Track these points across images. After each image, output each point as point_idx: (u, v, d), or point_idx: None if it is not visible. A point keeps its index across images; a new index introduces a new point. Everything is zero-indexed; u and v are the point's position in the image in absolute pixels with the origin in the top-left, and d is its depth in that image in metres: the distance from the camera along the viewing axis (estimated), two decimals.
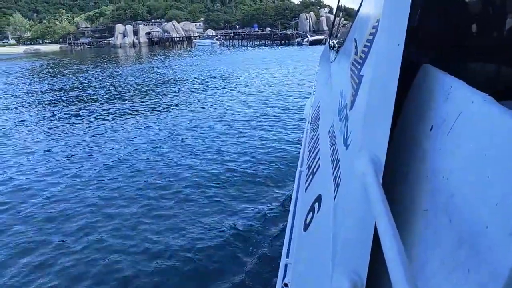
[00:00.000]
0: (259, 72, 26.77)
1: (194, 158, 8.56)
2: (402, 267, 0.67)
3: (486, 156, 0.79)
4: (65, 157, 9.20)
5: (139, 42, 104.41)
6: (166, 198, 6.52)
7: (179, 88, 20.81)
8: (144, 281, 4.49)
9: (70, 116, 14.51)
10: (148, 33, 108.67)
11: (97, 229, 5.66)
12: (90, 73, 33.39)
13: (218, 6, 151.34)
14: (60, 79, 29.52)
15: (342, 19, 4.30)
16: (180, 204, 6.29)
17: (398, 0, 1.13)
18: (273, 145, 9.21)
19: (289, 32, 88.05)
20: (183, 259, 4.86)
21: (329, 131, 2.25)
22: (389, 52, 1.11)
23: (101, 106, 16.43)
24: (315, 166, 2.33)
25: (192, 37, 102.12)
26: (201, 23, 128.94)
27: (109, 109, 15.57)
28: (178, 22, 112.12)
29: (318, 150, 2.50)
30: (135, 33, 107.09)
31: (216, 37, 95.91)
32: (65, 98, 19.12)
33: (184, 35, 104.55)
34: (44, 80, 29.04)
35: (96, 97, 19.25)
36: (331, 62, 4.25)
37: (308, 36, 73.53)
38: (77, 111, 15.46)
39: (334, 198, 1.43)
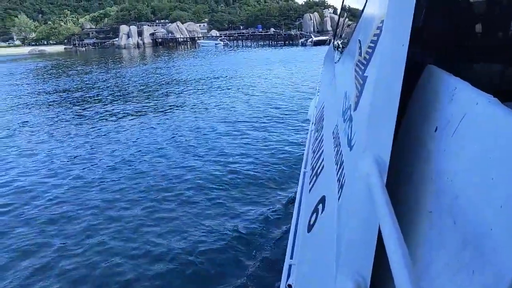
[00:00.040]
0: (263, 73, 26.74)
1: (197, 159, 8.52)
2: (406, 270, 0.67)
3: (490, 158, 0.78)
4: (68, 159, 9.19)
5: (143, 43, 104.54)
6: (169, 200, 6.47)
7: (183, 89, 20.80)
8: (145, 284, 4.45)
9: (73, 117, 14.52)
10: (152, 34, 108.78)
11: (98, 231, 5.62)
12: (94, 74, 33.45)
13: (222, 6, 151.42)
14: (64, 80, 29.61)
15: (347, 19, 4.28)
16: (183, 206, 6.25)
17: (402, 0, 1.13)
18: (276, 146, 9.15)
19: (293, 33, 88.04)
20: (185, 262, 4.81)
21: (333, 132, 2.25)
22: (394, 53, 1.10)
23: (105, 107, 16.44)
24: (319, 167, 2.32)
25: (196, 38, 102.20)
26: (205, 24, 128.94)
27: (113, 110, 15.58)
28: (182, 23, 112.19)
29: (322, 151, 2.49)
30: (139, 34, 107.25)
31: (220, 38, 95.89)
32: (69, 99, 19.16)
33: (188, 36, 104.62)
34: (48, 81, 29.13)
35: (99, 98, 19.27)
36: (335, 62, 4.24)
37: (312, 36, 73.54)
38: (80, 112, 15.47)
39: (338, 199, 1.43)
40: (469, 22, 1.71)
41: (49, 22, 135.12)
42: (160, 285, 4.44)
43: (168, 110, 14.89)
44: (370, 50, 1.42)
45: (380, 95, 1.12)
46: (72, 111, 15.80)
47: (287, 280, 1.97)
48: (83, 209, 6.36)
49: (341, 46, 4.08)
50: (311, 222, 1.77)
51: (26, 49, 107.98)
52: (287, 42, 79.65)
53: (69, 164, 8.74)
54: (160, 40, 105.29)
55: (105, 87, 23.47)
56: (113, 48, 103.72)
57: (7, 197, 7.11)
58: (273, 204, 6.17)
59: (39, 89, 23.94)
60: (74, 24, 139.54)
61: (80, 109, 16.16)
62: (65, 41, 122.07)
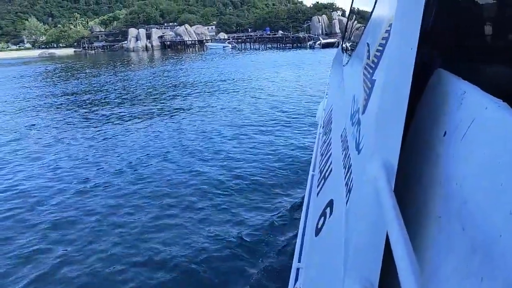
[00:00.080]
0: (270, 76, 26.66)
1: (203, 164, 8.43)
2: (413, 276, 0.67)
3: (499, 163, 0.77)
4: (74, 162, 9.15)
5: (152, 46, 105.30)
6: (173, 206, 6.38)
7: (190, 92, 20.78)
8: None
9: (80, 120, 14.54)
10: (160, 37, 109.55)
11: (101, 237, 5.54)
12: (102, 76, 33.63)
13: (230, 9, 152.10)
14: (72, 82, 29.80)
15: (355, 22, 4.24)
16: (187, 212, 6.15)
17: (411, 4, 1.12)
18: (283, 151, 9.03)
19: (301, 35, 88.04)
20: (188, 270, 4.70)
21: (341, 135, 2.25)
22: (402, 57, 1.09)
23: (112, 110, 16.45)
24: (327, 170, 2.33)
25: (204, 41, 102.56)
26: (213, 27, 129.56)
27: (120, 113, 15.58)
28: (191, 26, 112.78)
29: (330, 154, 2.49)
30: (148, 36, 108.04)
31: (228, 41, 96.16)
32: (77, 102, 19.23)
33: (196, 39, 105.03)
34: (56, 84, 29.33)
35: (107, 100, 19.32)
36: (343, 65, 4.21)
37: (321, 39, 73.62)
38: (88, 115, 15.49)
39: (346, 203, 1.42)
40: (479, 24, 1.64)
41: (59, 25, 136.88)
42: None
43: (175, 113, 14.85)
44: (378, 54, 1.40)
45: (389, 99, 1.12)
46: (79, 114, 15.83)
47: (294, 284, 1.97)
48: (87, 214, 6.28)
49: (349, 49, 4.08)
50: (319, 226, 1.77)
51: (36, 52, 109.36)
52: (295, 44, 79.51)
53: (75, 168, 8.69)
54: (168, 43, 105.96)
55: (112, 90, 23.55)
56: (122, 51, 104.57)
57: (12, 201, 7.06)
58: (278, 210, 6.05)
59: (47, 92, 24.08)
60: (83, 27, 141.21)
61: (87, 112, 16.19)
62: (75, 44, 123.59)
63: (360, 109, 1.63)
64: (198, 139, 10.68)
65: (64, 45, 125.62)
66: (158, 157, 9.18)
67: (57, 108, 17.77)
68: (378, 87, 1.28)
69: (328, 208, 1.75)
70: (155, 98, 19.57)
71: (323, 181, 2.32)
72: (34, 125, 14.04)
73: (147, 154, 9.46)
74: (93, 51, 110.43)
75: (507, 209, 0.70)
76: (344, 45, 5.27)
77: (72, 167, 8.82)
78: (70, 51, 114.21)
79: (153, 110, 15.88)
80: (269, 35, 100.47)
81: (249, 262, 4.79)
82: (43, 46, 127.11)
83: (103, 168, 8.61)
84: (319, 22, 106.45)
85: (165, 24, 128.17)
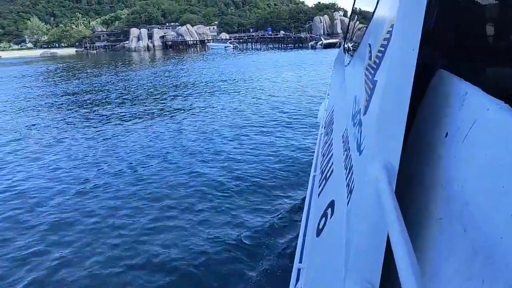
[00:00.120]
0: (272, 76, 26.60)
1: (203, 165, 8.37)
2: (413, 277, 0.67)
3: (501, 165, 0.77)
4: (74, 163, 9.10)
5: (154, 46, 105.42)
6: (173, 208, 6.32)
7: (191, 92, 20.74)
8: None
9: (81, 120, 14.51)
10: (162, 37, 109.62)
11: (100, 239, 5.48)
12: (103, 76, 33.62)
13: (232, 9, 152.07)
14: (73, 82, 29.79)
15: (357, 22, 4.22)
16: (186, 214, 6.09)
17: (412, 4, 1.12)
18: (284, 152, 8.97)
19: (303, 35, 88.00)
20: (186, 273, 4.64)
21: (343, 135, 2.25)
22: (404, 58, 1.09)
23: (113, 110, 16.41)
24: (328, 171, 2.33)
25: (205, 41, 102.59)
26: (215, 27, 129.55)
27: (121, 113, 15.54)
28: (192, 26, 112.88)
29: (332, 154, 2.50)
30: (150, 36, 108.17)
31: (229, 41, 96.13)
32: (77, 102, 19.20)
33: (198, 39, 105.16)
34: (58, 84, 29.33)
35: (108, 100, 19.29)
36: (345, 66, 4.21)
37: (322, 39, 73.49)
38: (88, 115, 15.45)
39: (347, 204, 1.42)
40: (481, 24, 1.63)
41: (61, 25, 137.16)
42: None
43: (176, 114, 14.80)
44: (380, 54, 1.40)
45: (390, 100, 1.12)
46: (80, 114, 15.80)
47: (296, 284, 1.98)
48: (86, 216, 6.23)
49: (351, 49, 4.06)
50: (320, 227, 1.77)
51: (38, 52, 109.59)
52: (296, 45, 79.45)
53: (75, 169, 8.65)
54: (170, 43, 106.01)
55: (113, 89, 23.52)
56: (124, 50, 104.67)
57: (11, 202, 7.02)
58: (279, 212, 5.99)
59: (48, 92, 24.07)
60: (85, 27, 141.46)
61: (88, 112, 16.15)
62: (77, 44, 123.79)
63: (361, 110, 1.63)
64: (198, 139, 10.63)
65: (66, 45, 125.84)
66: (158, 157, 9.13)
67: (58, 108, 17.74)
68: (379, 88, 1.27)
69: (329, 208, 1.75)
70: (156, 98, 19.53)
71: (324, 181, 2.31)
72: (34, 125, 14.01)
73: (147, 155, 9.41)
74: (94, 51, 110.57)
75: (509, 211, 0.70)
76: (346, 46, 5.25)
77: (72, 167, 8.77)
78: (72, 51, 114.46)
79: (154, 110, 15.83)
80: (271, 35, 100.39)
81: (249, 265, 4.73)
82: (45, 45, 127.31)
83: (103, 168, 8.56)
84: (320, 22, 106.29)
85: (167, 24, 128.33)
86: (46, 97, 21.78)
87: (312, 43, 73.80)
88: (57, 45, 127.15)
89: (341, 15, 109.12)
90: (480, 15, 1.66)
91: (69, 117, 15.22)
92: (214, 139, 10.59)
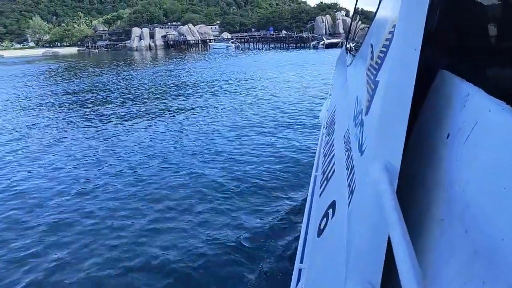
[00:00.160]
0: (273, 76, 26.55)
1: (203, 166, 8.33)
2: (415, 279, 0.67)
3: (503, 167, 0.77)
4: (74, 163, 9.08)
5: (155, 45, 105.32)
6: (172, 209, 6.28)
7: (192, 92, 20.71)
8: None
9: (82, 120, 14.48)
10: (164, 36, 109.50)
11: (98, 241, 5.45)
12: (105, 76, 33.63)
13: (234, 9, 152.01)
14: (75, 81, 29.82)
15: (359, 22, 4.20)
16: (186, 215, 6.05)
17: (414, 5, 1.12)
18: (284, 153, 8.92)
19: (304, 35, 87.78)
20: (185, 276, 4.61)
21: (344, 136, 2.24)
22: (405, 58, 1.09)
23: (114, 109, 16.40)
24: (330, 171, 2.31)
25: (207, 40, 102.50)
26: (217, 26, 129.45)
27: (121, 112, 15.52)
28: (194, 25, 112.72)
29: (333, 155, 2.48)
30: (151, 36, 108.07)
31: (231, 40, 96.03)
32: (78, 102, 19.19)
33: (199, 38, 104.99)
34: (59, 83, 29.34)
35: (109, 100, 19.27)
36: (347, 66, 4.20)
37: (324, 39, 73.32)
38: (89, 115, 15.43)
39: (349, 205, 1.41)
40: (484, 25, 1.60)
41: (63, 24, 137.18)
42: None
43: (177, 114, 14.77)
44: (382, 55, 1.39)
45: (392, 101, 1.12)
46: (80, 114, 15.79)
47: (297, 284, 1.98)
48: (84, 217, 6.20)
49: (353, 49, 4.08)
50: (321, 227, 1.76)
51: (40, 51, 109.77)
52: (298, 44, 79.24)
53: (75, 169, 8.62)
54: (171, 42, 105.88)
55: (115, 89, 23.52)
56: (125, 50, 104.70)
57: (10, 202, 7.00)
58: (279, 213, 5.94)
59: (49, 91, 24.09)
60: (87, 26, 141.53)
61: (88, 112, 16.14)
62: (79, 43, 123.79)
63: (363, 110, 1.62)
64: (199, 139, 10.59)
65: (67, 44, 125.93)
66: (159, 158, 9.09)
67: (59, 107, 17.74)
68: (381, 88, 1.26)
69: (331, 209, 1.74)
70: (157, 97, 19.50)
71: (325, 182, 2.30)
72: (35, 124, 14.01)
73: (148, 155, 9.38)
74: (96, 50, 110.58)
75: (510, 212, 0.70)
76: (347, 46, 5.27)
77: (72, 167, 8.75)
78: (73, 50, 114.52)
79: (155, 110, 15.80)
80: (273, 35, 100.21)
81: (248, 268, 4.70)
82: (47, 45, 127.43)
83: (103, 169, 8.52)
84: (322, 22, 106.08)
85: (169, 23, 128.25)
86: (47, 96, 21.79)
87: (314, 43, 73.68)
88: (59, 44, 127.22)
89: (343, 15, 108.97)
90: (483, 15, 1.63)
91: (70, 117, 15.20)
92: (214, 139, 10.54)
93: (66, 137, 11.69)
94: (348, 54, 4.72)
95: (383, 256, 0.98)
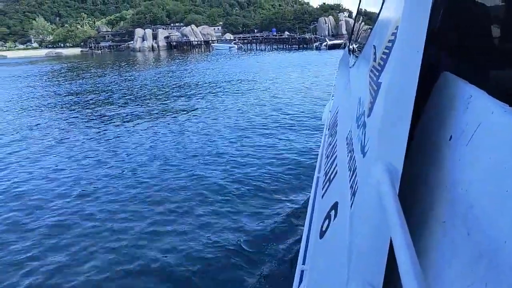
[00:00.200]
0: (275, 77, 26.52)
1: (204, 168, 8.28)
2: (416, 282, 0.67)
3: (505, 169, 0.77)
4: (75, 164, 9.06)
5: (158, 46, 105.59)
6: (173, 212, 6.23)
7: (194, 93, 20.71)
8: None
9: (83, 121, 14.48)
10: (167, 37, 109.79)
11: (97, 244, 5.40)
12: (107, 76, 33.67)
13: (236, 10, 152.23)
14: (77, 82, 29.86)
15: (362, 24, 4.18)
16: (186, 218, 5.99)
17: (417, 6, 1.11)
18: (286, 155, 8.86)
19: (307, 36, 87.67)
20: (184, 280, 4.55)
21: (347, 137, 2.24)
22: (408, 60, 1.09)
23: (115, 110, 16.39)
24: (332, 173, 2.30)
25: (210, 41, 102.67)
26: (220, 27, 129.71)
27: (123, 113, 15.51)
28: (197, 26, 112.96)
29: (336, 156, 2.48)
30: (154, 37, 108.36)
31: (234, 41, 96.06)
32: (81, 102, 19.21)
33: (202, 39, 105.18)
34: (61, 84, 29.41)
35: (111, 101, 19.28)
36: (350, 67, 4.19)
37: (327, 40, 73.24)
38: (91, 116, 15.43)
39: (351, 207, 1.41)
40: (487, 26, 1.58)
41: (66, 25, 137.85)
42: None
43: (179, 115, 14.75)
44: (384, 56, 1.39)
45: (394, 102, 1.12)
46: (82, 115, 15.78)
47: (299, 286, 1.98)
48: (84, 219, 6.15)
49: (356, 50, 4.06)
50: (323, 229, 1.76)
51: (43, 52, 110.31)
52: (301, 45, 79.20)
53: (75, 170, 8.59)
54: (174, 43, 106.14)
55: (117, 90, 23.52)
56: (128, 51, 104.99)
57: (10, 204, 6.97)
58: (280, 216, 5.89)
59: (51, 92, 24.13)
60: (90, 27, 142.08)
61: (90, 113, 16.13)
62: (82, 43, 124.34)
63: (365, 112, 1.62)
64: (200, 141, 10.55)
65: (71, 44, 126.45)
66: (160, 159, 9.05)
67: (61, 108, 17.76)
68: (383, 90, 1.26)
69: (333, 210, 1.73)
70: (159, 98, 19.49)
71: (328, 183, 2.29)
72: (36, 125, 14.01)
73: (149, 157, 9.34)
74: (99, 51, 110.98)
75: None
76: (350, 47, 5.22)
77: (72, 169, 8.72)
78: (76, 50, 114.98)
79: (157, 111, 15.78)
80: (275, 36, 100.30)
81: (249, 271, 4.65)
82: (50, 45, 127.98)
83: (103, 170, 8.49)
84: (325, 23, 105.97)
85: (172, 24, 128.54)
86: (49, 97, 21.82)
87: (316, 44, 73.63)
88: (62, 45, 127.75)
89: (346, 16, 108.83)
90: (487, 16, 1.62)
91: (72, 118, 15.21)
92: (216, 141, 10.50)
93: (68, 138, 11.68)
94: (351, 55, 4.68)
95: (385, 258, 0.99)
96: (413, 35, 1.10)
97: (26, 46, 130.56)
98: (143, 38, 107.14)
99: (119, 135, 11.80)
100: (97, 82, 28.82)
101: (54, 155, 9.86)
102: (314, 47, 71.13)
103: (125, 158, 9.36)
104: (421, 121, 1.35)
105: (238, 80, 25.82)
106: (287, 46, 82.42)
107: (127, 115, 15.06)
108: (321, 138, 4.98)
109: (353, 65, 3.76)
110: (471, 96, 1.05)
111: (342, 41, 64.97)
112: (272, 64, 39.45)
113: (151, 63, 52.15)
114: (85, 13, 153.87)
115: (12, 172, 8.73)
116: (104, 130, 12.72)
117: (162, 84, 25.53)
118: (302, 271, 2.08)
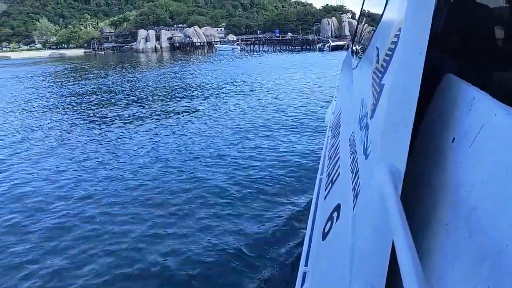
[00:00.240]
0: (278, 79, 26.45)
1: (206, 170, 8.23)
2: (417, 285, 0.67)
3: (508, 171, 0.77)
4: (76, 166, 9.03)
5: (161, 47, 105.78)
6: (173, 214, 6.18)
7: (197, 94, 20.68)
8: None
9: (85, 122, 14.47)
10: (170, 38, 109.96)
11: (97, 247, 5.36)
12: (110, 77, 33.71)
13: (239, 11, 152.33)
14: (80, 83, 29.92)
15: (365, 25, 4.18)
16: (187, 221, 5.95)
17: (420, 8, 1.12)
18: (288, 157, 8.79)
19: (310, 38, 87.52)
20: (185, 283, 4.51)
21: (350, 139, 2.25)
22: (411, 61, 1.09)
23: (118, 111, 16.38)
24: (335, 174, 2.33)
25: (213, 42, 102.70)
26: (223, 28, 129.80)
27: (125, 115, 15.50)
28: (200, 27, 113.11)
29: (338, 158, 2.50)
30: (157, 38, 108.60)
31: (237, 42, 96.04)
32: (83, 103, 19.22)
33: (205, 40, 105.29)
34: (64, 84, 29.46)
35: (113, 102, 19.28)
36: (353, 68, 4.21)
37: (330, 41, 73.07)
38: (93, 117, 15.42)
39: (353, 208, 1.42)
40: (490, 28, 1.58)
41: (70, 26, 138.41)
42: None
43: (181, 116, 14.71)
44: (387, 58, 1.40)
45: (397, 104, 1.12)
46: (84, 116, 15.78)
47: (301, 287, 1.99)
48: (85, 222, 6.11)
49: (359, 52, 4.08)
50: (326, 230, 1.77)
51: (46, 53, 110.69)
52: (304, 47, 79.01)
53: (76, 172, 8.56)
54: (177, 44, 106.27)
55: (119, 91, 23.54)
56: (131, 52, 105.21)
57: (10, 205, 6.94)
58: (281, 219, 5.83)
59: (54, 93, 24.16)
60: (94, 28, 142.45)
61: (92, 114, 16.12)
62: (85, 45, 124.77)
63: (368, 114, 1.62)
64: (202, 143, 10.51)
65: (74, 45, 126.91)
66: (161, 161, 9.01)
67: (63, 109, 17.77)
68: (386, 91, 1.27)
69: (335, 212, 1.74)
70: (161, 100, 19.47)
71: (330, 185, 2.31)
72: (38, 126, 14.02)
73: (150, 159, 9.30)
74: (102, 52, 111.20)
75: None
76: (353, 48, 5.26)
77: (74, 170, 8.69)
78: (80, 51, 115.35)
79: (159, 113, 15.76)
80: (278, 37, 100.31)
81: (250, 275, 4.60)
82: (53, 46, 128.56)
83: (105, 172, 8.45)
84: (328, 24, 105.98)
85: (175, 25, 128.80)
86: (52, 98, 21.85)
87: (319, 45, 73.43)
88: (65, 46, 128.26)
89: (349, 18, 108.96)
90: (490, 18, 1.61)
91: (74, 119, 15.20)
92: (218, 142, 10.45)
93: (69, 139, 11.66)
94: (354, 56, 4.70)
95: (387, 260, 0.98)
96: (416, 37, 1.09)
97: (30, 47, 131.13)
98: (146, 39, 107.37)
99: (120, 137, 11.77)
100: (99, 83, 28.86)
101: (56, 157, 9.83)
102: (317, 48, 70.95)
103: (126, 160, 9.32)
104: (424, 123, 1.35)
105: (240, 81, 25.78)
106: (290, 47, 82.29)
107: (129, 117, 15.04)
108: (323, 140, 4.94)
109: (356, 66, 3.78)
110: (474, 98, 1.04)
111: (345, 42, 64.91)
112: (275, 65, 39.39)
113: (154, 64, 52.21)
114: (88, 14, 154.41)
115: (14, 173, 8.71)
116: (106, 131, 12.69)
117: (165, 86, 25.53)
118: (305, 273, 2.08)
